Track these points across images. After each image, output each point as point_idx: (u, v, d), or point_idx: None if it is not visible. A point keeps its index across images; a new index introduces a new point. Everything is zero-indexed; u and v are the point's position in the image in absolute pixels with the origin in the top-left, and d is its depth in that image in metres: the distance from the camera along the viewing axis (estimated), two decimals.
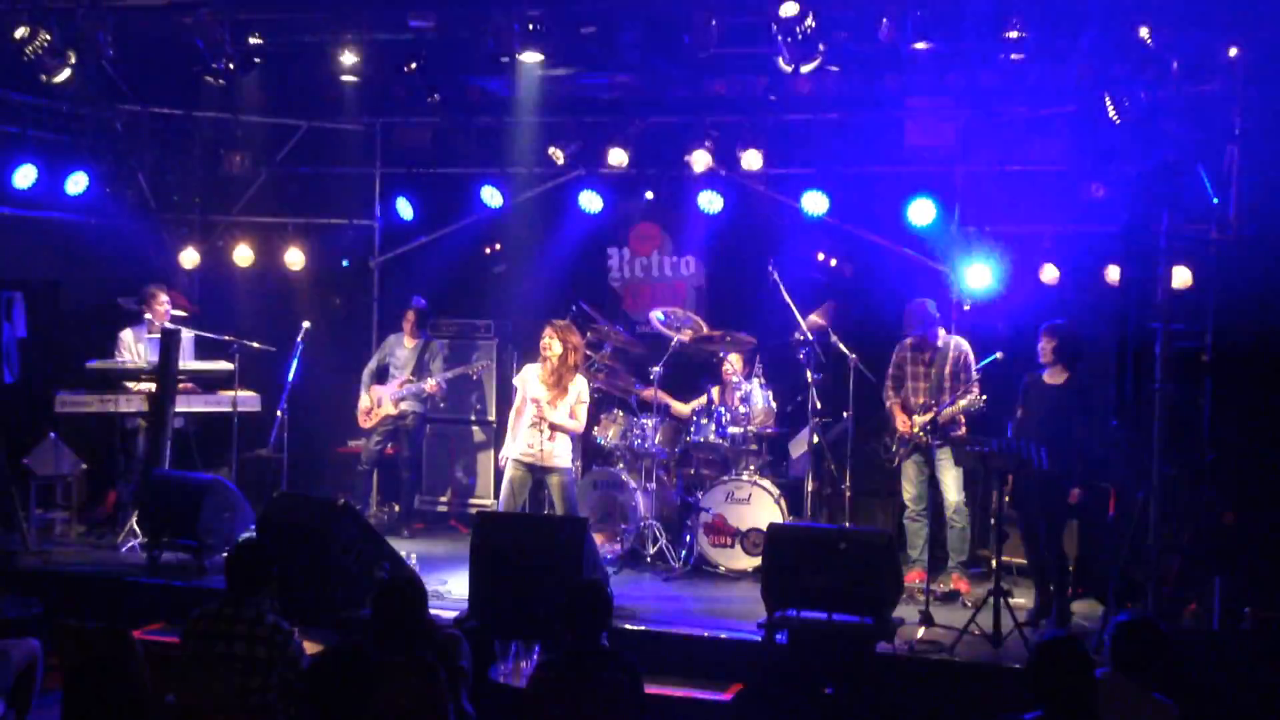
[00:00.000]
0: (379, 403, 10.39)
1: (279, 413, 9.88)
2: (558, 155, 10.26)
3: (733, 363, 9.68)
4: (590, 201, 10.62)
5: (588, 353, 9.18)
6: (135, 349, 10.04)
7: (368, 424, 10.45)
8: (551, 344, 8.42)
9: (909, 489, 8.79)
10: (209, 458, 10.17)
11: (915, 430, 8.50)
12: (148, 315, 10.07)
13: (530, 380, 8.53)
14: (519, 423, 8.56)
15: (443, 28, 8.80)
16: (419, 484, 10.94)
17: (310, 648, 5.61)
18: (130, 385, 9.79)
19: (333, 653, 4.51)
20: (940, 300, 9.60)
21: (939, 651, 7.21)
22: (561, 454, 8.47)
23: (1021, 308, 9.51)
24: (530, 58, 8.46)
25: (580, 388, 8.49)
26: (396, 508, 10.69)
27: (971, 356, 8.66)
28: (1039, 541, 8.05)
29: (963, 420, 8.50)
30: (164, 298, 10.07)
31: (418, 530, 10.56)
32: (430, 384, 10.27)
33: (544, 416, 8.36)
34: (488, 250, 11.14)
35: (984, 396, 8.18)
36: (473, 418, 11.07)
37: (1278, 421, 7.20)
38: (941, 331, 8.80)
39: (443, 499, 11.08)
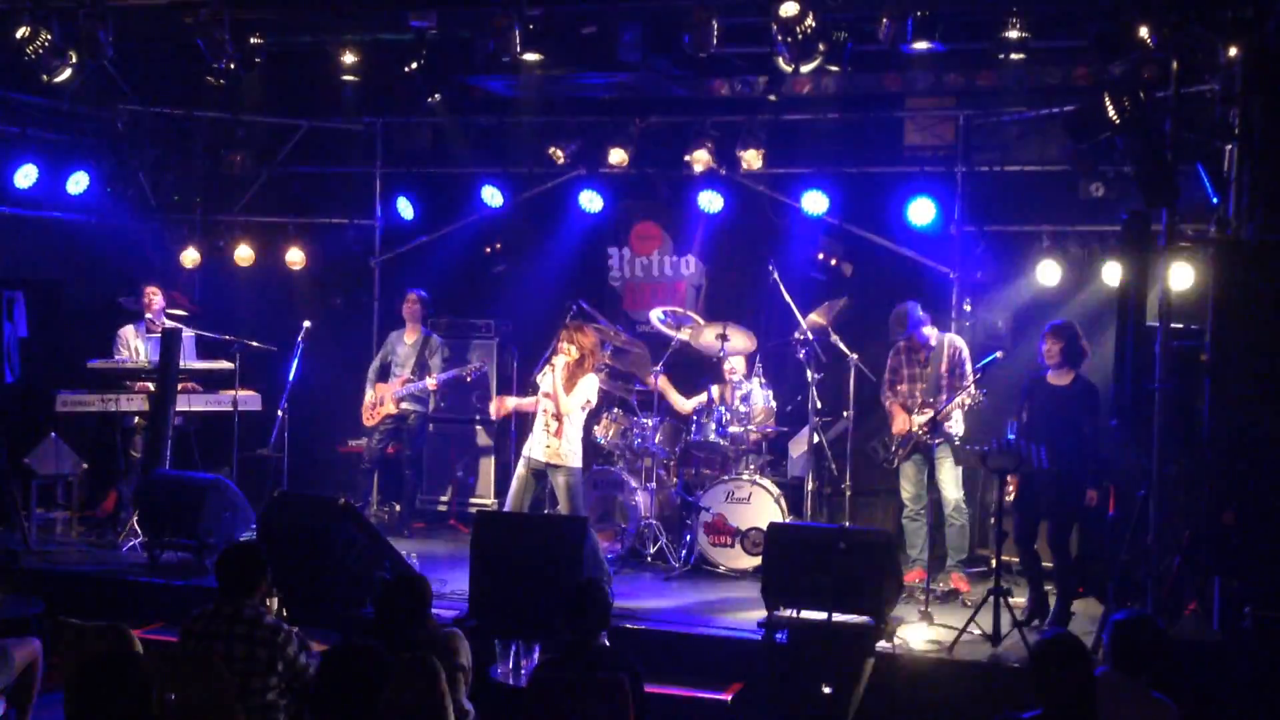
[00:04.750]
0: (381, 401, 10.40)
1: (279, 412, 9.89)
2: (558, 155, 10.26)
3: (734, 362, 9.68)
4: (590, 201, 10.63)
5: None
6: (133, 345, 10.08)
7: (370, 422, 10.46)
8: (568, 347, 8.48)
9: (908, 488, 8.80)
10: (209, 457, 10.17)
11: (915, 429, 8.50)
12: (148, 315, 10.10)
13: (543, 381, 8.60)
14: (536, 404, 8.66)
15: (443, 28, 8.80)
16: (420, 484, 10.94)
17: (315, 648, 5.61)
18: (130, 385, 9.80)
19: (343, 651, 4.52)
20: (940, 300, 9.63)
21: (939, 651, 7.22)
22: (571, 453, 8.52)
23: (1021, 308, 9.52)
24: (530, 58, 8.46)
25: (589, 388, 8.53)
26: (397, 507, 10.69)
27: (966, 353, 8.67)
28: (1033, 542, 8.05)
29: (960, 417, 8.49)
30: (156, 292, 10.08)
31: (418, 530, 10.56)
32: (430, 382, 10.27)
33: (557, 407, 8.39)
34: (488, 250, 11.14)
35: (983, 391, 8.17)
36: (475, 417, 11.08)
37: (1277, 421, 7.19)
38: (934, 330, 8.80)
39: (443, 499, 11.09)
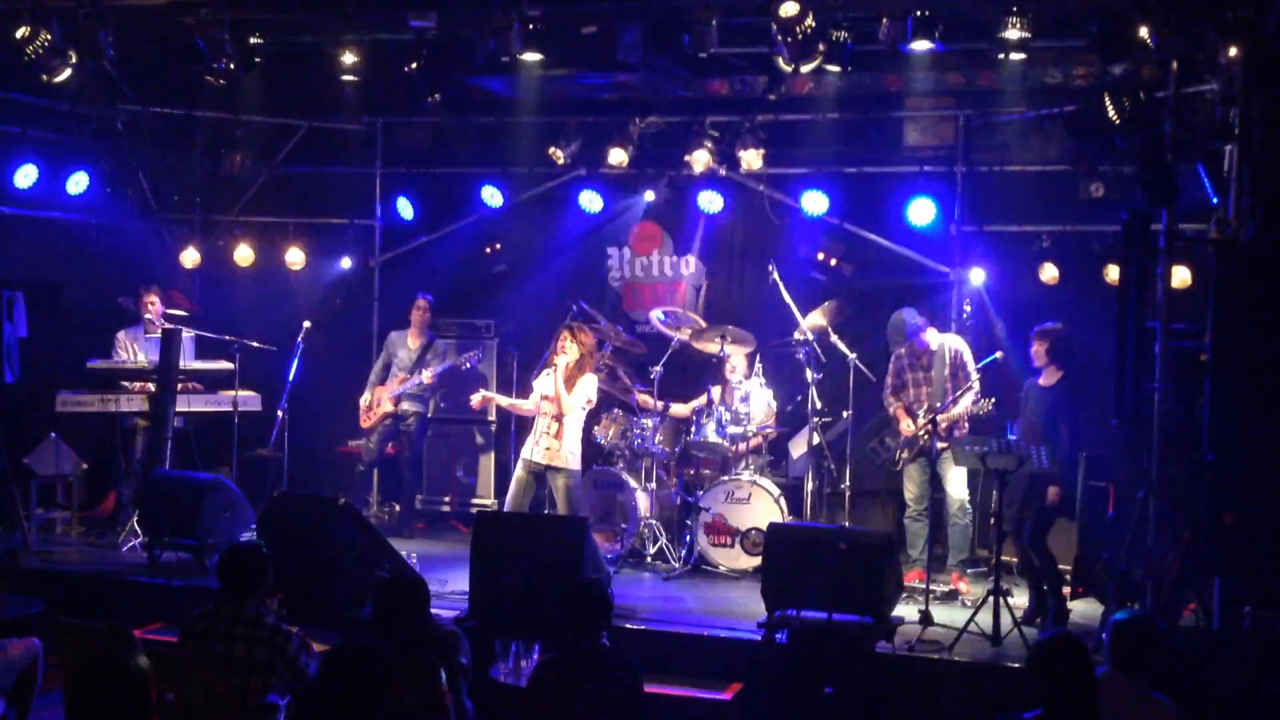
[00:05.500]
0: (378, 402, 10.38)
1: (279, 412, 9.89)
2: (558, 155, 10.26)
3: (734, 363, 9.68)
4: (590, 201, 10.62)
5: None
6: (130, 348, 10.07)
7: (367, 423, 10.44)
8: (569, 347, 8.47)
9: (911, 488, 8.80)
10: (209, 457, 10.17)
11: (920, 432, 8.49)
12: (147, 315, 10.11)
13: (542, 382, 8.57)
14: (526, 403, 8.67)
15: (443, 28, 8.80)
16: (420, 484, 10.94)
17: (316, 648, 5.61)
18: (131, 385, 9.80)
19: (343, 651, 4.52)
20: (940, 301, 9.62)
21: (939, 651, 7.22)
22: (570, 455, 8.51)
23: (1021, 308, 9.53)
24: (530, 58, 8.47)
25: (589, 388, 8.53)
26: (397, 508, 10.68)
27: (968, 354, 8.67)
28: (1023, 539, 8.06)
29: (965, 422, 8.49)
30: (153, 298, 10.09)
31: (418, 530, 10.55)
32: (427, 375, 10.21)
33: (558, 407, 8.38)
34: (488, 250, 11.14)
35: (992, 400, 8.17)
36: (475, 418, 11.06)
37: (1278, 421, 7.19)
38: (933, 333, 8.80)
39: (443, 499, 11.08)
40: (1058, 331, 8.08)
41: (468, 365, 10.26)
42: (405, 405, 10.38)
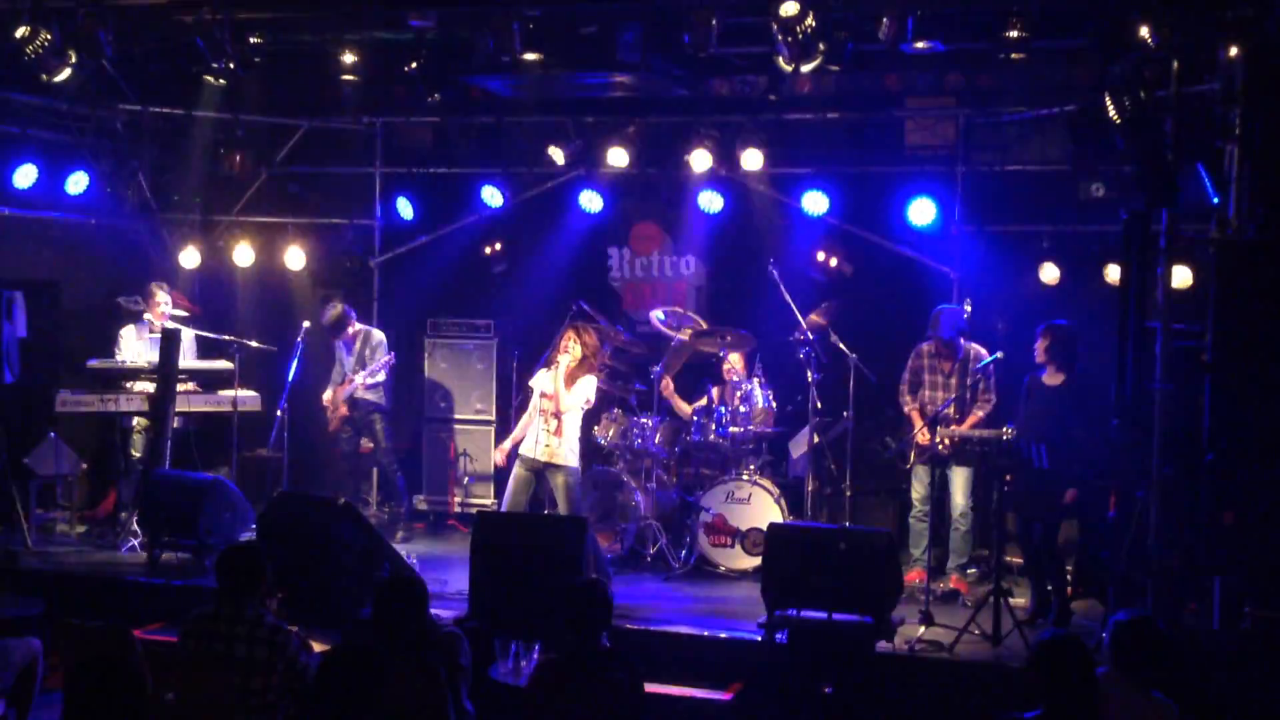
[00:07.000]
0: (336, 406, 10.27)
1: (279, 412, 9.88)
2: (558, 155, 10.26)
3: (733, 363, 9.68)
4: (590, 201, 10.62)
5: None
6: (134, 346, 10.07)
7: (332, 427, 10.35)
8: (573, 346, 8.45)
9: (918, 488, 8.80)
10: (209, 457, 10.17)
11: (928, 441, 8.47)
12: (147, 315, 10.10)
13: (542, 379, 8.57)
14: (530, 422, 8.65)
15: (443, 28, 8.80)
16: (418, 482, 10.91)
17: (315, 648, 5.62)
18: (130, 385, 9.80)
19: (343, 651, 4.51)
20: (940, 300, 9.61)
21: (939, 651, 7.22)
22: (568, 452, 8.50)
23: (1021, 308, 9.52)
24: (530, 58, 8.46)
25: (588, 388, 8.53)
26: (400, 508, 10.64)
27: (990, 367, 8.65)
28: (1034, 540, 8.05)
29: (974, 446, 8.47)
30: (163, 296, 10.08)
31: (418, 530, 10.55)
32: (359, 380, 10.03)
33: (557, 405, 8.36)
34: (488, 250, 11.14)
35: (1010, 429, 8.08)
36: (474, 418, 11.05)
37: (1278, 421, 7.19)
38: (963, 341, 8.80)
39: (443, 499, 11.06)
40: (1061, 330, 8.04)
41: (384, 373, 10.10)
42: (361, 404, 10.22)
